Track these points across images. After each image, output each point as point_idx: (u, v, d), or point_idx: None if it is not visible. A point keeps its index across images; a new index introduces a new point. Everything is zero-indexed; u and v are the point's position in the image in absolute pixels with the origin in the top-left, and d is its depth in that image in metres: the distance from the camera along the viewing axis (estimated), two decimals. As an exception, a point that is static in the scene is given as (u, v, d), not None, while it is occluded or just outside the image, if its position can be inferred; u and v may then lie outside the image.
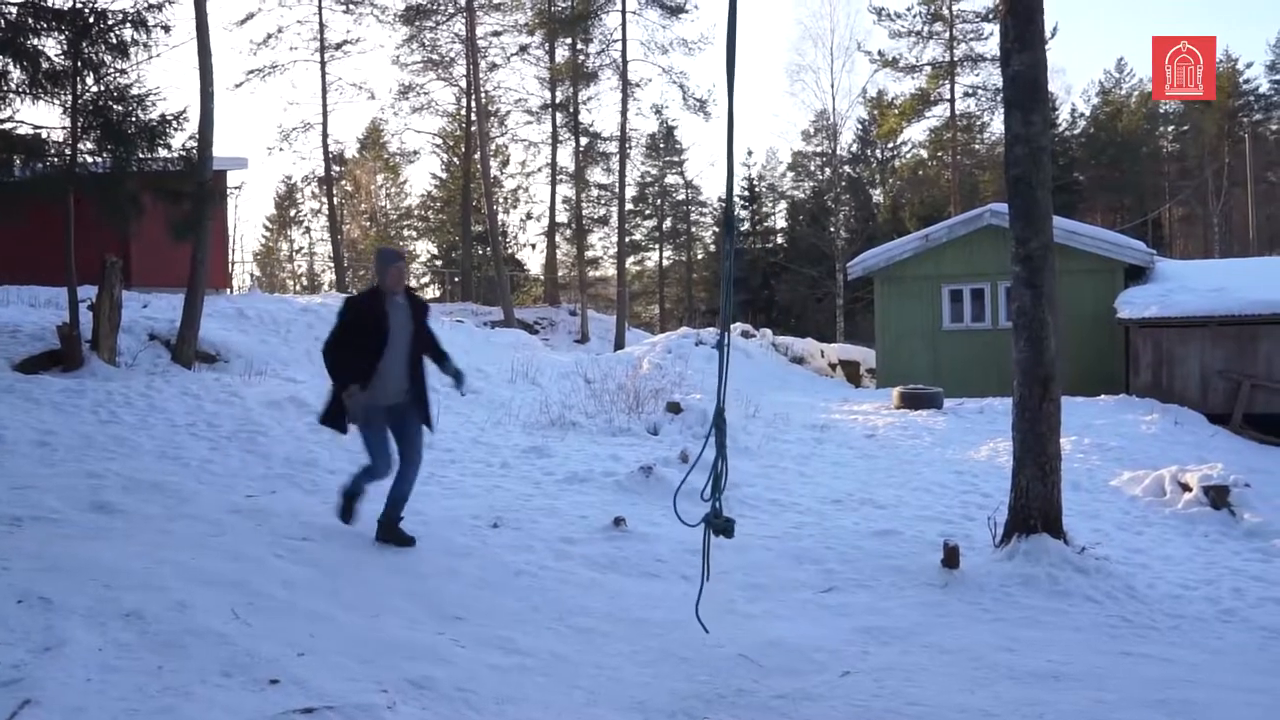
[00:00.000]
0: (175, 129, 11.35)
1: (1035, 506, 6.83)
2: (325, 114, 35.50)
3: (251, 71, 34.12)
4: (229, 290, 22.39)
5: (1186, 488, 9.68)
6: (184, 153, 11.74)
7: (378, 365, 6.05)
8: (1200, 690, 4.53)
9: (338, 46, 35.61)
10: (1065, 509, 7.09)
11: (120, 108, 11.19)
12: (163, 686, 3.63)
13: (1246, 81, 49.67)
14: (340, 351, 6.11)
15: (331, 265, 42.57)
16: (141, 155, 11.33)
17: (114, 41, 11.18)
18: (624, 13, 32.46)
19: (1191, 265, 21.37)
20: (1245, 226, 44.98)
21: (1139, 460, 11.28)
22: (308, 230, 58.91)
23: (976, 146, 41.90)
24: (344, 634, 4.50)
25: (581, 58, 35.92)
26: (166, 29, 11.39)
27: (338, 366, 6.10)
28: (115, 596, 4.47)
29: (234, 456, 8.64)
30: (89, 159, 11.46)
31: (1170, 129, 52.48)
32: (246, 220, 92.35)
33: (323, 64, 35.21)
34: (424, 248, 53.15)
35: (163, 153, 11.45)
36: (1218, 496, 9.30)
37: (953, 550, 6.55)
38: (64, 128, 11.19)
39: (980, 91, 37.78)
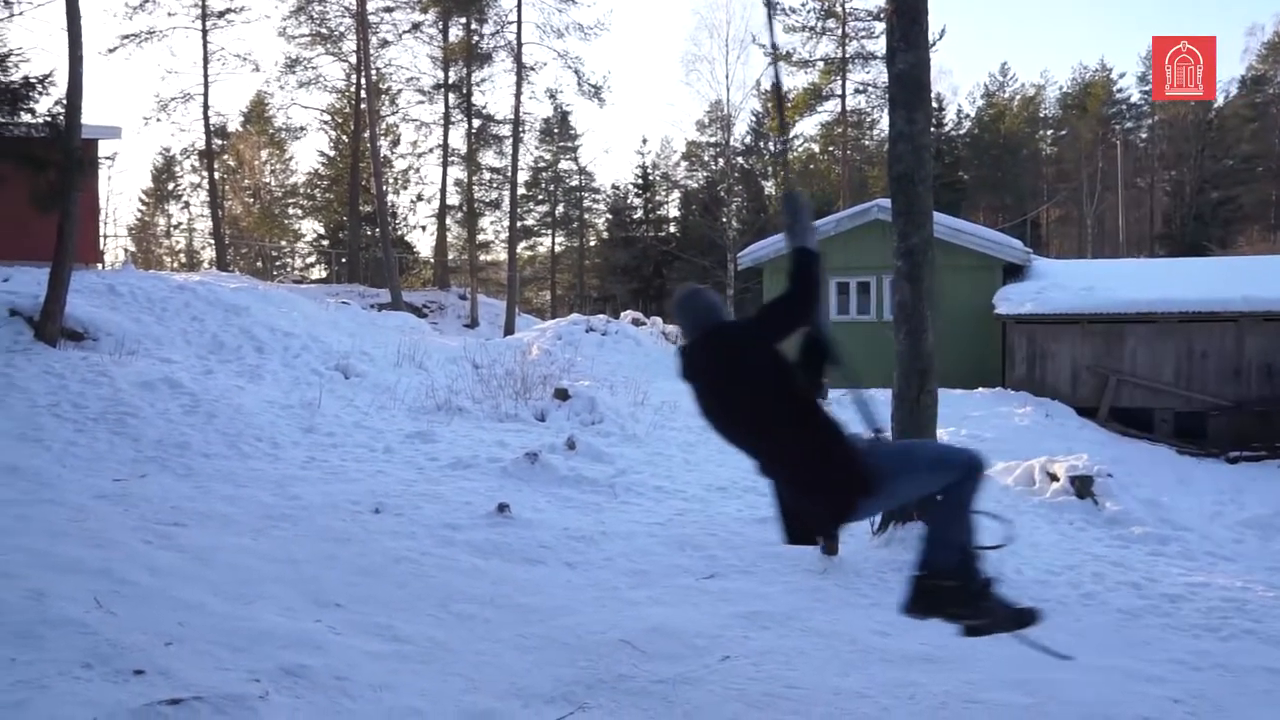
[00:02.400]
0: (40, 93, 10.79)
1: (912, 495, 7.01)
2: (206, 85, 34.37)
3: (126, 37, 32.67)
4: (100, 265, 21.38)
5: (1054, 478, 10.08)
6: (50, 118, 11.14)
7: None
8: (1059, 670, 4.71)
9: (220, 15, 34.41)
10: (940, 498, 7.29)
11: (-22, 68, 10.59)
12: (15, 680, 3.46)
13: (1120, 91, 51.90)
14: None
15: (212, 242, 41.12)
16: (2, 120, 10.73)
17: (-30, -3, 10.59)
18: (520, -6, 32.07)
19: (1065, 265, 22.15)
20: (1116, 229, 47.13)
21: (1012, 451, 11.70)
22: (187, 205, 56.58)
23: (866, 143, 42.77)
24: (215, 622, 4.36)
25: (476, 38, 35.34)
26: (30, -15, 10.86)
27: None
28: (-36, 585, 4.24)
29: (101, 439, 8.29)
30: (-57, 122, 10.81)
31: (1049, 133, 54.51)
32: (120, 193, 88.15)
33: (204, 32, 33.98)
34: (310, 227, 51.69)
35: (26, 118, 10.87)
36: (1082, 486, 9.71)
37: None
38: (-84, 88, 10.55)
39: (871, 89, 38.45)
